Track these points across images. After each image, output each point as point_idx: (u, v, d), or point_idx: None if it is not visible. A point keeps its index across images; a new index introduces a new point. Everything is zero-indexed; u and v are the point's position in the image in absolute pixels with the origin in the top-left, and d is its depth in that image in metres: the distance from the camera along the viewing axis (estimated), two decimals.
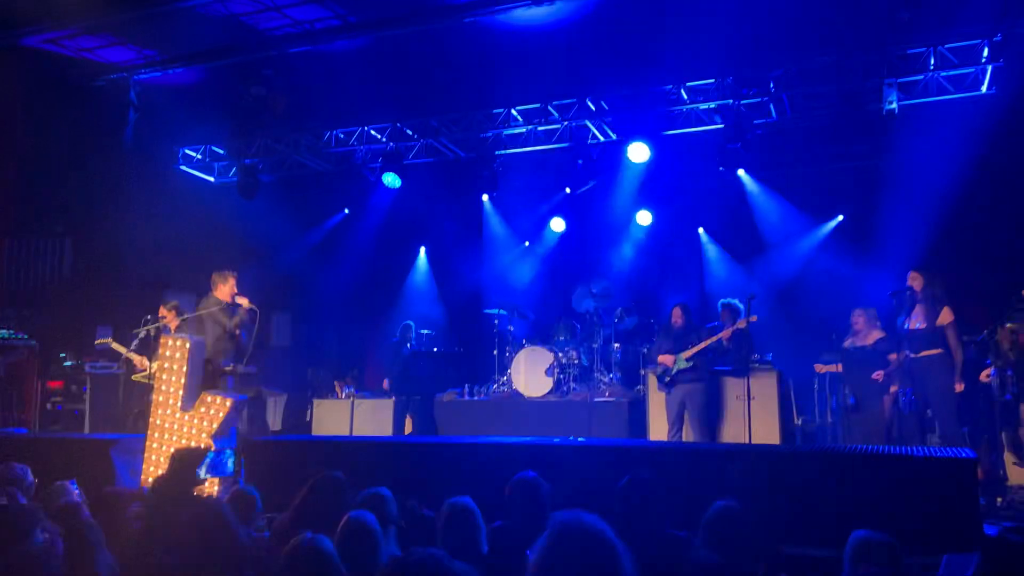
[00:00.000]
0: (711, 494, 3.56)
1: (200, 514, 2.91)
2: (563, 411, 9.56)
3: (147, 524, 3.56)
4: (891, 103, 8.62)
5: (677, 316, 8.53)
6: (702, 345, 8.25)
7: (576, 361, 10.09)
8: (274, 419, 11.46)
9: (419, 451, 6.66)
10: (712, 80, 9.54)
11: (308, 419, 11.29)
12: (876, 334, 8.06)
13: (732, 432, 8.35)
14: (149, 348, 8.29)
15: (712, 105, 9.71)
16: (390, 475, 4.40)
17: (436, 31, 8.88)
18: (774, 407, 8.38)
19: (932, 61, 8.62)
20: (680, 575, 2.97)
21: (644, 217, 12.02)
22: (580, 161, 10.28)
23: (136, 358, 8.39)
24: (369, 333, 13.22)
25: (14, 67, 9.61)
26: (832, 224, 11.35)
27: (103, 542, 3.18)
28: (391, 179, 10.81)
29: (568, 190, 11.55)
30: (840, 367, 8.41)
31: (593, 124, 10.43)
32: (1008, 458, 7.34)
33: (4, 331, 9.97)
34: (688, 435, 8.32)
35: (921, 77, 8.78)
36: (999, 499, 6.65)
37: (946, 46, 8.53)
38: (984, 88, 8.61)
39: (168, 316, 8.36)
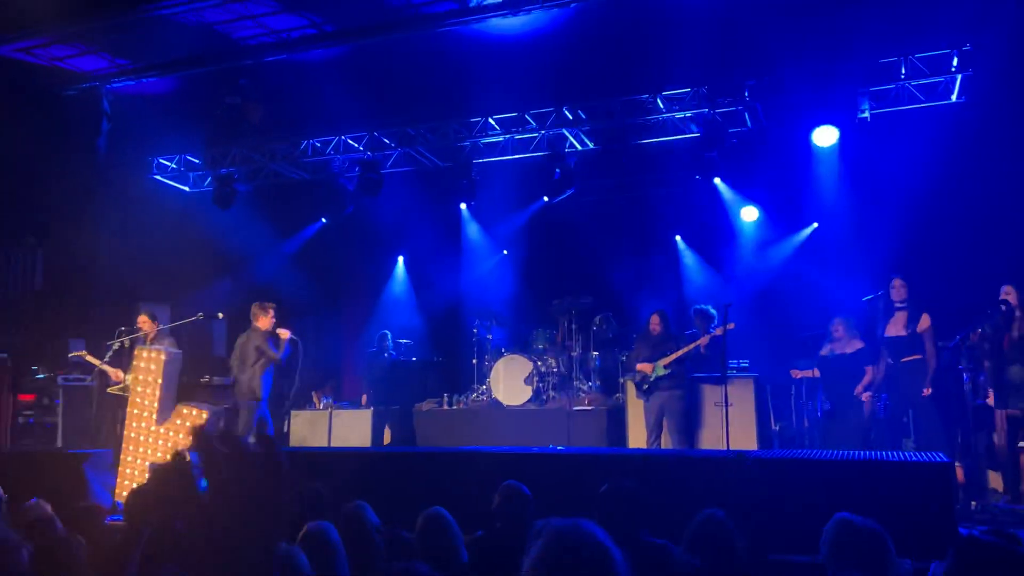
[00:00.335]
0: (690, 501, 3.57)
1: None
2: (542, 419, 9.56)
3: (125, 539, 3.49)
4: (864, 111, 8.75)
5: (655, 323, 8.57)
6: (680, 353, 8.29)
7: (555, 369, 10.10)
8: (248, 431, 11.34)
9: (399, 461, 6.62)
10: (688, 89, 9.62)
11: (285, 430, 11.19)
12: (856, 343, 8.13)
13: (710, 439, 8.39)
14: (123, 360, 8.19)
15: (688, 114, 9.79)
16: (370, 486, 4.37)
17: (412, 40, 8.88)
18: (752, 413, 8.43)
19: (903, 70, 8.75)
20: None
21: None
22: (557, 170, 10.31)
23: (110, 370, 8.29)
24: (347, 343, 13.14)
25: None
26: (807, 231, 11.46)
27: (82, 558, 3.13)
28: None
29: (546, 199, 11.57)
30: (816, 372, 8.49)
31: (570, 132, 10.47)
32: (983, 463, 7.44)
33: None
34: (667, 442, 8.34)
35: (892, 86, 8.91)
36: (974, 503, 6.72)
37: (917, 56, 8.67)
38: (954, 97, 8.76)
39: (143, 326, 8.27)
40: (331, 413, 10.66)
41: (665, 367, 8.29)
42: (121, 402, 7.70)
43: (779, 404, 9.50)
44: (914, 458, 5.37)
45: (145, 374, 6.78)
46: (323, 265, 12.97)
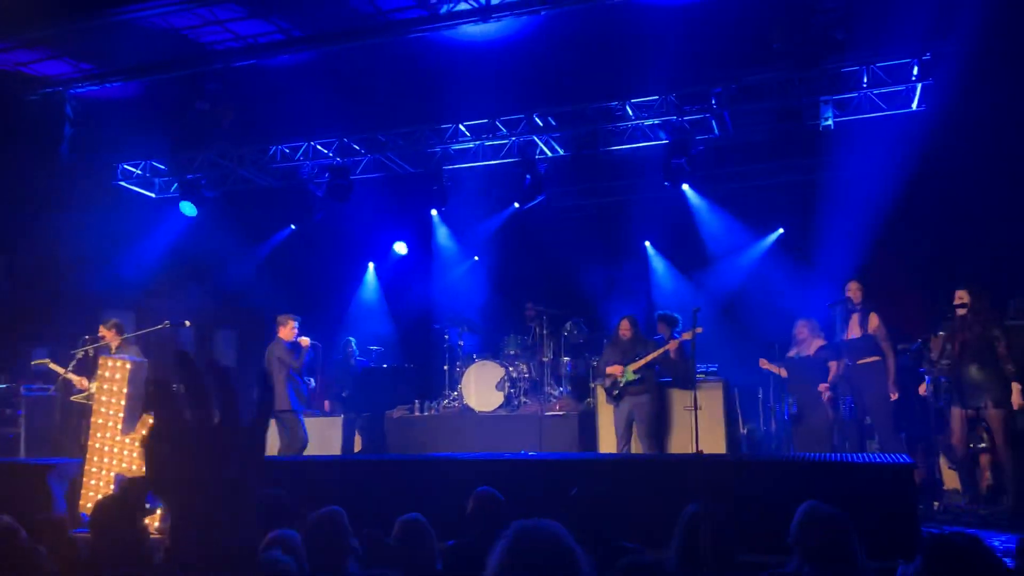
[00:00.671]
0: (660, 504, 3.61)
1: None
2: (514, 425, 9.57)
3: (92, 552, 3.45)
4: (827, 119, 8.91)
5: (625, 329, 8.63)
6: (649, 358, 8.35)
7: (526, 375, 10.13)
8: None
9: (369, 469, 6.59)
10: (656, 97, 9.72)
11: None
12: (817, 343, 8.30)
13: (680, 443, 8.46)
14: (88, 368, 8.06)
15: (656, 121, 9.89)
16: (341, 495, 4.34)
17: (383, 46, 8.87)
18: (720, 417, 8.52)
19: (865, 79, 8.92)
20: None
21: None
22: (528, 176, 10.35)
23: (75, 379, 8.15)
24: (317, 350, 13.03)
25: None
26: (773, 237, 11.63)
27: (45, 569, 3.08)
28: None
29: (517, 205, 11.61)
30: (783, 370, 8.62)
31: (540, 139, 10.52)
32: (943, 463, 7.61)
33: None
34: (637, 447, 8.40)
35: (855, 94, 9.08)
36: (936, 503, 6.87)
37: (878, 64, 8.84)
38: (915, 105, 8.95)
39: (108, 335, 8.16)
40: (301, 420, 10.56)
41: (634, 372, 8.35)
42: (86, 411, 7.59)
43: (747, 407, 9.63)
44: (877, 459, 5.48)
45: (110, 384, 6.69)
46: (292, 272, 12.87)
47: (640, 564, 2.89)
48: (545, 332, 10.30)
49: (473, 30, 8.36)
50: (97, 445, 6.55)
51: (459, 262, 13.22)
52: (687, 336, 8.19)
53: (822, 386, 8.01)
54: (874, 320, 7.66)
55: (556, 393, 10.03)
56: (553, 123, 10.29)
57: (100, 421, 6.55)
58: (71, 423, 8.63)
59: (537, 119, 10.25)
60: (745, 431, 9.47)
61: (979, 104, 8.62)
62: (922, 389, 7.38)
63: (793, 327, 8.52)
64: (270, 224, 12.97)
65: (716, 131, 9.88)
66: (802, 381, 8.31)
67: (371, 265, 13.95)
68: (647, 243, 12.54)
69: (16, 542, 3.56)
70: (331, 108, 9.86)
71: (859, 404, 7.86)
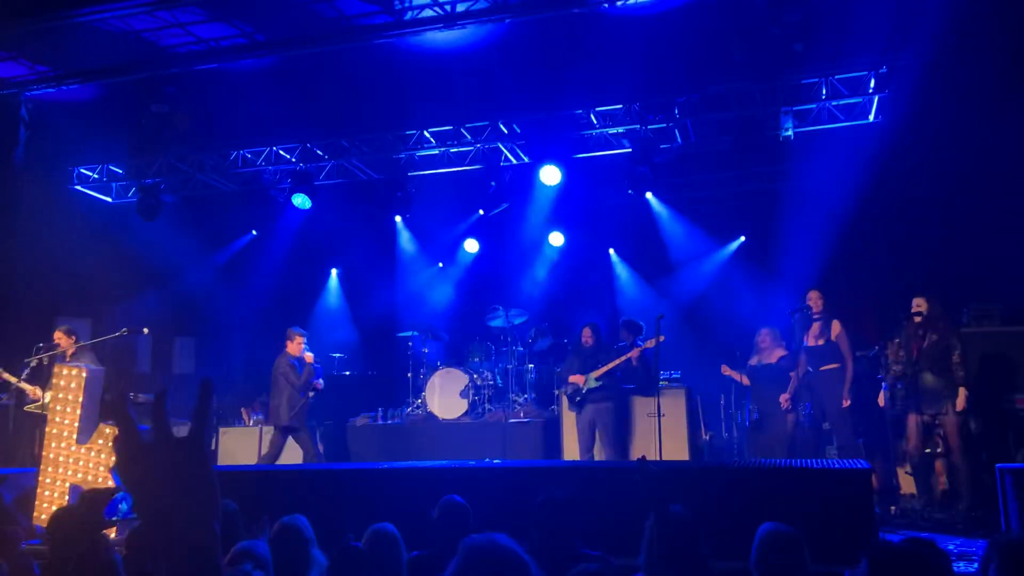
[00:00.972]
0: (624, 511, 3.62)
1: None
2: (478, 433, 9.55)
3: (50, 564, 3.37)
4: (787, 130, 9.07)
5: (587, 336, 8.68)
6: (611, 365, 8.40)
7: (491, 382, 10.12)
8: None
9: (332, 479, 6.52)
10: (620, 106, 9.80)
11: (214, 448, 10.89)
12: (779, 352, 8.42)
13: (642, 449, 8.48)
14: (42, 377, 7.87)
15: (620, 130, 9.97)
16: (303, 505, 4.29)
17: (347, 52, 8.81)
18: (683, 424, 8.60)
19: (824, 91, 9.10)
20: None
21: (556, 238, 12.20)
22: (493, 183, 10.36)
23: (28, 388, 7.96)
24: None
25: None
26: (735, 245, 11.78)
27: None
28: (301, 200, 10.61)
29: (481, 212, 11.61)
30: (744, 378, 8.73)
31: (505, 147, 10.54)
32: (900, 468, 7.76)
33: None
34: (600, 454, 8.43)
35: (814, 106, 9.25)
36: (893, 508, 7.00)
37: (837, 77, 9.03)
38: (872, 117, 9.15)
39: (63, 341, 7.98)
40: (261, 430, 10.43)
41: (597, 379, 8.39)
42: (40, 421, 7.40)
43: (709, 414, 9.72)
44: (835, 465, 5.57)
45: (65, 392, 6.52)
46: (253, 278, 12.72)
47: (590, 572, 2.90)
48: (510, 339, 10.31)
49: (438, 37, 8.35)
50: (52, 455, 6.39)
51: (423, 269, 13.18)
52: (649, 344, 8.26)
53: (783, 397, 8.13)
54: (836, 327, 7.80)
55: (521, 400, 10.03)
56: (518, 130, 10.32)
57: (55, 430, 6.39)
58: (24, 433, 8.41)
59: (502, 126, 10.27)
60: (707, 438, 9.56)
61: (933, 116, 8.86)
62: (880, 399, 7.53)
63: (756, 335, 8.64)
64: (231, 230, 12.80)
65: (679, 140, 9.99)
66: (764, 388, 8.42)
67: (334, 271, 13.83)
68: (611, 250, 12.62)
69: None
70: (294, 113, 9.78)
71: (818, 410, 7.98)
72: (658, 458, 7.81)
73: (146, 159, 11.13)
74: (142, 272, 11.36)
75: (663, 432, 7.75)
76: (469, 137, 10.47)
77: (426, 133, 10.51)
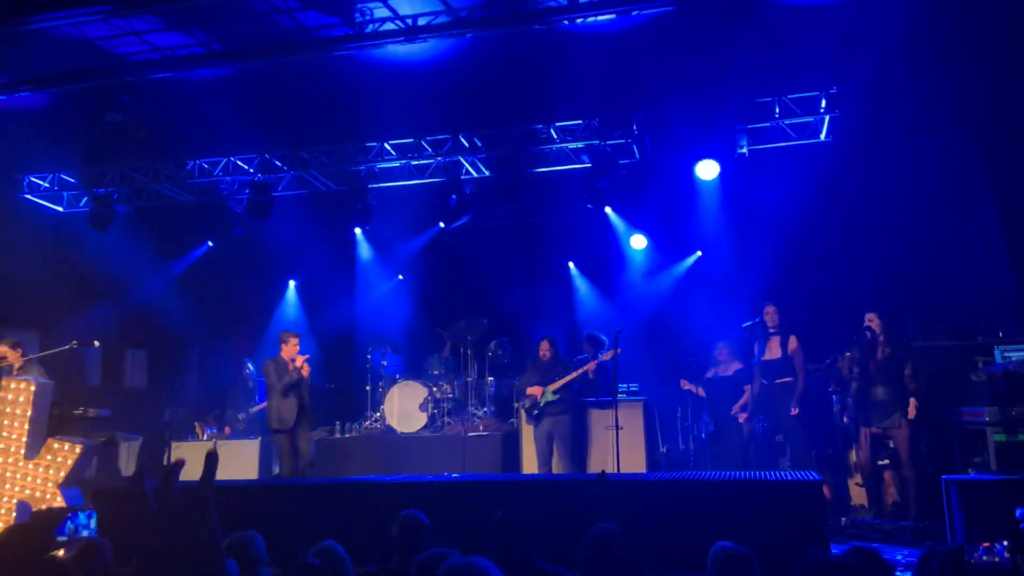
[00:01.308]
0: (581, 525, 3.64)
1: None
2: (438, 446, 9.52)
3: None
4: (742, 147, 9.26)
5: (545, 349, 8.73)
6: (568, 378, 8.47)
7: (450, 395, 10.10)
8: (127, 465, 10.76)
9: (288, 494, 6.45)
10: (580, 121, 9.91)
11: (166, 463, 10.65)
12: (736, 365, 8.57)
13: (600, 462, 8.56)
14: None
15: (580, 145, 10.08)
16: (258, 521, 4.24)
17: (307, 62, 8.77)
18: (640, 436, 8.67)
19: (777, 110, 9.32)
20: None
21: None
22: (453, 196, 10.38)
23: None
24: (235, 371, 12.68)
25: None
26: (691, 260, 11.93)
27: None
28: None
29: (442, 224, 11.61)
30: (701, 390, 8.86)
31: (466, 160, 10.58)
32: (851, 480, 7.93)
33: None
34: (558, 466, 8.47)
35: (768, 124, 9.46)
36: (844, 519, 7.15)
37: (789, 96, 9.26)
38: (823, 136, 9.39)
39: (10, 355, 7.77)
40: (215, 443, 10.26)
41: (554, 392, 8.44)
42: None
43: (666, 427, 9.82)
44: (787, 477, 5.68)
45: (12, 407, 6.36)
46: (209, 290, 12.52)
47: (544, 570, 2.92)
48: (469, 352, 10.31)
49: (399, 50, 8.36)
50: None
51: (383, 281, 13.10)
52: (606, 357, 8.33)
53: (735, 408, 8.27)
54: (793, 342, 8.00)
55: (480, 414, 10.03)
56: (479, 144, 10.36)
57: (1, 446, 6.22)
58: None
59: (463, 140, 10.31)
60: (664, 450, 9.66)
61: (879, 137, 9.13)
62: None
63: (714, 348, 8.77)
64: (186, 241, 12.60)
65: (637, 155, 10.13)
66: (721, 401, 8.55)
67: (292, 283, 13.68)
68: (571, 264, 12.69)
69: None
70: (253, 124, 9.68)
71: (772, 423, 8.13)
72: (616, 470, 7.88)
73: (99, 168, 10.94)
74: (93, 283, 11.13)
75: (621, 445, 7.82)
76: (430, 150, 10.48)
77: (387, 145, 10.49)
